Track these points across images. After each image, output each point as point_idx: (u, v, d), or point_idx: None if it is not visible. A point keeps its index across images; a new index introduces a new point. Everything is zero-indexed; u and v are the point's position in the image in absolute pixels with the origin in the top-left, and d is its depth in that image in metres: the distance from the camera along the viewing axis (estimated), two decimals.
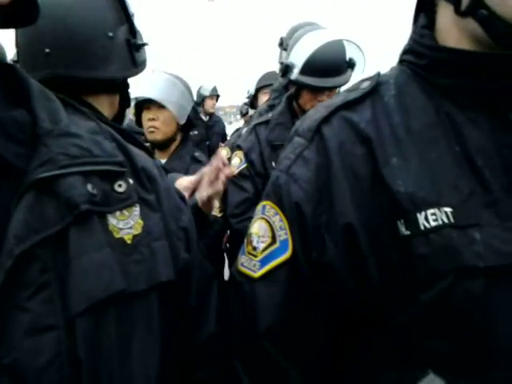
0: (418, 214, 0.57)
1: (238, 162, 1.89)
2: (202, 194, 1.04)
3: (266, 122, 1.91)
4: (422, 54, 0.65)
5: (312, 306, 0.65)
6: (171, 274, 0.60)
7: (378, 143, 0.62)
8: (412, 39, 0.69)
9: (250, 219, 1.85)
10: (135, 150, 0.63)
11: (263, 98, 3.08)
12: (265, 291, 0.66)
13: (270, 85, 2.94)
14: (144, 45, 0.97)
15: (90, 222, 0.52)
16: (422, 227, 0.57)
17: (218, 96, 5.32)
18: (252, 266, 0.68)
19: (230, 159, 2.00)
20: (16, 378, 0.44)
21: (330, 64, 1.76)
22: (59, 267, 0.48)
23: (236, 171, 1.87)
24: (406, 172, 0.60)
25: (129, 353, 0.53)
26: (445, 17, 0.64)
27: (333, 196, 0.62)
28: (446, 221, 0.57)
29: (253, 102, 3.33)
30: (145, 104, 1.89)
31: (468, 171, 0.59)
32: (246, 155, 1.87)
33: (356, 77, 1.89)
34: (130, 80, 1.01)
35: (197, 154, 2.11)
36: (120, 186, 0.56)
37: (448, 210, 0.57)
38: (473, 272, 0.54)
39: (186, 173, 1.90)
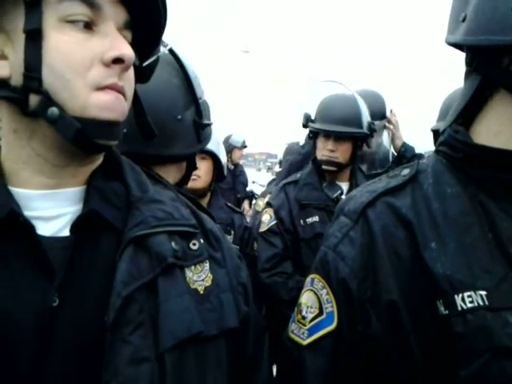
0: (456, 296, 0.64)
1: (268, 219, 1.99)
2: None
3: (295, 182, 2.02)
4: (457, 148, 0.74)
5: (355, 373, 0.71)
6: (236, 322, 0.69)
7: (418, 227, 0.70)
8: (447, 133, 0.77)
9: (278, 274, 1.92)
10: (203, 215, 0.75)
11: None
12: (312, 358, 0.72)
13: None
14: (209, 125, 1.13)
15: (174, 272, 0.63)
16: (460, 308, 0.63)
17: (245, 146, 5.68)
18: (301, 334, 0.75)
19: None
20: None
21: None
22: (151, 309, 0.58)
23: (266, 227, 1.96)
24: (444, 255, 0.67)
25: None
26: (499, 115, 0.69)
27: (377, 274, 0.69)
28: (481, 303, 0.63)
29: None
30: None
31: (500, 257, 0.66)
32: (276, 213, 1.97)
33: None
34: None
35: (229, 203, 2.21)
36: (194, 245, 0.67)
37: (483, 293, 0.64)
38: (507, 352, 0.60)
39: (232, 223, 2.00)
